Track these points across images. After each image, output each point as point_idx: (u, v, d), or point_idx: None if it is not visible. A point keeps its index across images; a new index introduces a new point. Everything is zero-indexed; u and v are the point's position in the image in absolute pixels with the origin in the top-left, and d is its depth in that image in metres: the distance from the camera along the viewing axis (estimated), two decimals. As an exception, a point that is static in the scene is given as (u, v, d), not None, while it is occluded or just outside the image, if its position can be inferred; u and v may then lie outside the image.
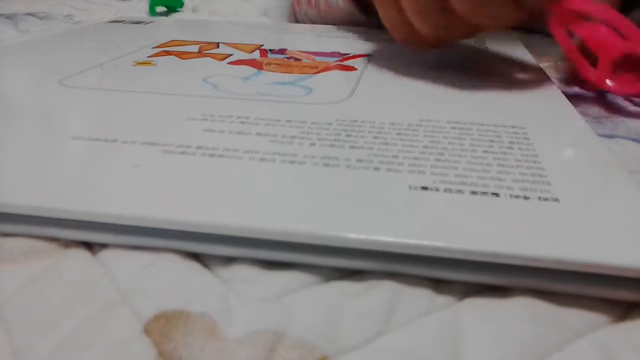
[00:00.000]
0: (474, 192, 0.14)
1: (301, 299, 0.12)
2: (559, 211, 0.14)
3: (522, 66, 0.27)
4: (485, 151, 0.17)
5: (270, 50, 0.30)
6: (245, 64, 0.27)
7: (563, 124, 0.19)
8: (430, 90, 0.23)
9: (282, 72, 0.25)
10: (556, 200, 0.14)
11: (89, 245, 0.14)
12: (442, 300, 0.12)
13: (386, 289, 0.13)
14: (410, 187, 0.15)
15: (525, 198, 0.14)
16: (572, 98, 0.25)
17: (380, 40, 0.33)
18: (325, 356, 0.11)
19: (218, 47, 0.31)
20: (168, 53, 0.29)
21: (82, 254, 0.14)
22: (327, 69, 0.26)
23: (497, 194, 0.14)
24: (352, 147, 0.17)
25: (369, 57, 0.29)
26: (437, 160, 0.16)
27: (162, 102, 0.21)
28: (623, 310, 0.12)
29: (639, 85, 0.23)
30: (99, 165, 0.16)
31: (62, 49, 0.30)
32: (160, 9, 0.51)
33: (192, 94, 0.22)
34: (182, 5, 0.52)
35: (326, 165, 0.16)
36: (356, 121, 0.19)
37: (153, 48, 0.30)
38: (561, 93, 0.23)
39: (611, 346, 0.11)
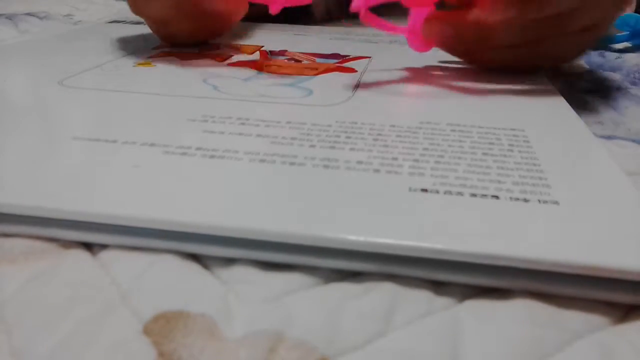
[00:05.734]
0: (473, 195, 0.14)
1: (301, 300, 0.12)
2: (559, 214, 0.14)
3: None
4: (485, 154, 0.17)
5: (270, 51, 0.30)
6: (245, 66, 0.27)
7: (562, 126, 0.19)
8: (430, 93, 0.23)
9: (282, 74, 0.25)
10: (556, 202, 0.14)
11: (88, 246, 0.14)
12: (442, 302, 0.12)
13: (386, 290, 0.13)
14: (410, 189, 0.15)
15: (525, 201, 0.14)
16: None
17: (380, 42, 0.33)
18: (324, 357, 0.11)
19: (218, 48, 0.31)
20: (168, 54, 0.29)
21: (82, 254, 0.14)
22: (327, 70, 0.26)
23: (497, 197, 0.14)
24: (352, 149, 0.17)
25: (369, 59, 0.29)
26: (437, 162, 0.16)
27: (163, 103, 0.21)
28: (623, 311, 0.12)
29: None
30: (99, 166, 0.16)
31: (62, 49, 0.30)
32: None
33: (193, 95, 0.22)
34: None
35: (326, 167, 0.16)
36: (356, 123, 0.19)
37: (153, 49, 0.30)
38: (560, 96, 0.23)
39: (611, 347, 0.11)
